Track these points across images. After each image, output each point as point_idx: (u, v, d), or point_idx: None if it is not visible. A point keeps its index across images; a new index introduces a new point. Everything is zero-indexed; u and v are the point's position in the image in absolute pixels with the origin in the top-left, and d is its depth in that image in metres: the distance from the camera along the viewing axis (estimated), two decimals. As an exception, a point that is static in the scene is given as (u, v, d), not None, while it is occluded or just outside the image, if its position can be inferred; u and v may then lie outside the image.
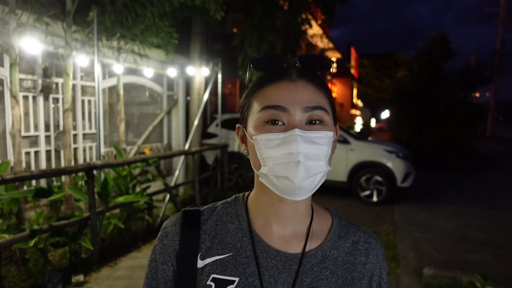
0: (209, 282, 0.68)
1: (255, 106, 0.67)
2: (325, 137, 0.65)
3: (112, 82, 6.14)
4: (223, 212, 0.75)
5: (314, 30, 16.05)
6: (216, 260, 0.70)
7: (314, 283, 0.68)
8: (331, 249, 0.72)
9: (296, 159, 0.61)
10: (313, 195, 0.71)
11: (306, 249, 0.71)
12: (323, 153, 0.64)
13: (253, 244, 0.70)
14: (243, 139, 0.72)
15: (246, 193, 0.78)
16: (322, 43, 19.75)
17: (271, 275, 0.68)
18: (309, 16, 9.04)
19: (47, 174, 3.48)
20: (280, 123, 0.64)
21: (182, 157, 6.43)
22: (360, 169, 6.99)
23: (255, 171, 0.68)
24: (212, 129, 8.27)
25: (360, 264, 0.72)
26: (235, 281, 0.67)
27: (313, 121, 0.65)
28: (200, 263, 0.70)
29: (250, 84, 0.72)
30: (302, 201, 0.69)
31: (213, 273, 0.68)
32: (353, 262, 0.72)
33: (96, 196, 3.97)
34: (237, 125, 0.75)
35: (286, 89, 0.65)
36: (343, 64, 31.82)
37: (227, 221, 0.74)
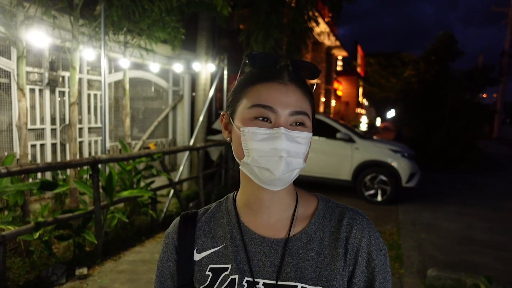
0: (207, 272, 0.76)
1: (246, 101, 0.72)
2: (305, 137, 0.71)
3: (118, 76, 6.15)
4: (216, 210, 0.85)
5: (321, 27, 15.97)
6: (212, 252, 0.78)
7: (300, 264, 0.73)
8: (316, 230, 0.76)
9: (280, 154, 0.68)
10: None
11: (291, 234, 0.76)
12: (302, 151, 0.71)
13: (241, 233, 0.77)
14: (227, 127, 0.78)
15: (235, 192, 0.85)
16: (329, 41, 19.65)
17: (259, 259, 0.75)
18: (316, 14, 9.00)
19: (53, 167, 3.50)
20: (267, 120, 0.70)
21: (186, 153, 6.43)
22: (365, 168, 6.95)
23: (237, 160, 0.74)
24: (217, 125, 8.26)
25: (344, 238, 0.75)
26: (228, 267, 0.75)
27: (296, 123, 0.71)
28: (197, 256, 0.79)
29: (241, 77, 0.78)
30: (284, 190, 0.76)
31: (210, 264, 0.77)
32: (337, 239, 0.75)
33: (101, 190, 3.99)
34: (222, 112, 0.80)
35: (277, 91, 0.71)
36: (349, 62, 31.69)
37: (219, 217, 0.83)
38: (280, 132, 0.68)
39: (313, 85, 0.78)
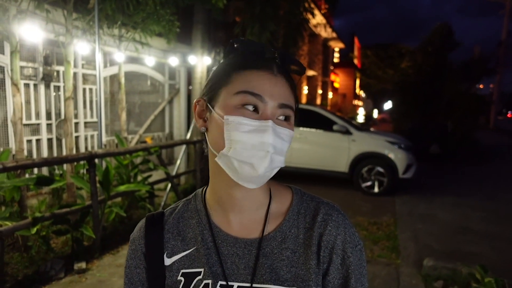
0: (179, 278, 0.72)
1: (231, 87, 0.67)
2: (289, 134, 0.67)
3: (113, 70, 6.11)
4: (184, 209, 0.79)
5: (318, 19, 15.89)
6: (183, 256, 0.73)
7: (274, 264, 0.70)
8: (290, 228, 0.72)
9: (267, 149, 0.63)
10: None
11: (266, 232, 0.72)
12: (285, 149, 0.67)
13: (212, 235, 0.73)
14: (202, 114, 0.72)
15: (204, 188, 0.80)
16: (325, 32, 19.57)
17: (233, 262, 0.71)
18: (312, 5, 8.95)
19: (49, 162, 3.49)
20: (254, 110, 0.65)
21: (183, 147, 6.43)
22: (362, 160, 6.97)
23: (213, 151, 0.68)
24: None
25: (317, 236, 0.71)
26: (201, 271, 0.71)
27: (283, 118, 0.68)
28: (168, 261, 0.74)
29: (224, 62, 0.72)
30: (258, 188, 0.70)
31: (182, 269, 0.72)
32: (311, 236, 0.71)
33: (98, 185, 3.99)
34: (196, 99, 0.73)
35: (268, 80, 0.66)
36: (346, 54, 31.60)
37: (188, 217, 0.77)
38: (268, 125, 0.63)
39: (306, 76, 0.75)
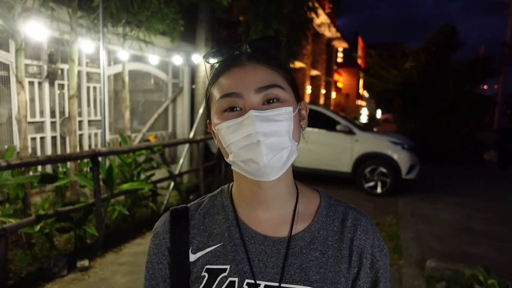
0: (203, 273, 0.71)
1: (214, 97, 0.69)
2: (283, 113, 0.65)
3: (117, 69, 6.13)
4: (210, 205, 0.78)
5: (322, 19, 15.86)
6: (208, 252, 0.72)
7: (304, 264, 0.69)
8: (319, 229, 0.72)
9: (256, 139, 0.62)
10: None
11: (294, 232, 0.71)
12: (283, 129, 0.65)
13: (240, 232, 0.72)
14: (215, 134, 0.73)
15: (231, 184, 0.80)
16: (329, 32, 19.53)
17: (260, 260, 0.70)
18: (316, 5, 8.93)
19: (53, 160, 3.50)
20: (237, 109, 0.66)
21: (186, 145, 6.43)
22: (365, 160, 6.96)
23: (227, 160, 0.70)
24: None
25: (348, 240, 0.72)
26: (226, 268, 0.70)
27: (270, 100, 0.66)
28: (192, 257, 0.73)
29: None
30: (283, 183, 0.71)
31: (206, 264, 0.71)
32: (342, 240, 0.72)
33: (101, 183, 4.00)
34: (207, 121, 0.75)
35: (236, 75, 0.67)
36: (350, 54, 31.53)
37: (214, 213, 0.76)
38: (250, 115, 0.63)
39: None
